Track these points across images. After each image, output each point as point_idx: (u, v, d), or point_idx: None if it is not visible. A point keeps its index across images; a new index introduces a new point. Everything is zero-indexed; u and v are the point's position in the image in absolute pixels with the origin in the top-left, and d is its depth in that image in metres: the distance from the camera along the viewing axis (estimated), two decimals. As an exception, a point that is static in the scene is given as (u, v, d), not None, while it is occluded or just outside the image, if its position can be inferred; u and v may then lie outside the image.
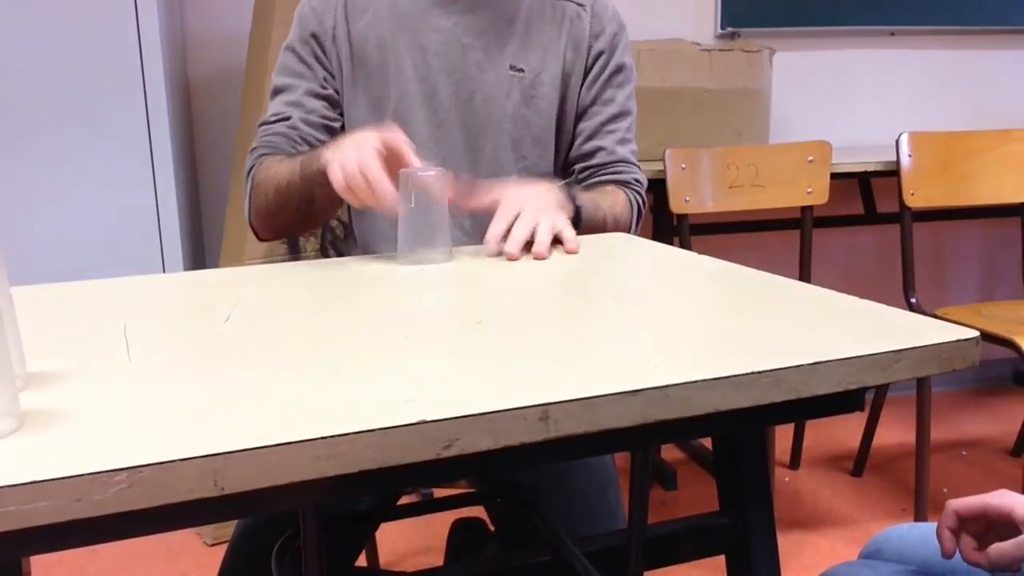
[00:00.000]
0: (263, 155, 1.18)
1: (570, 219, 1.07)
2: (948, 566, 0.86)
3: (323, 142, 1.18)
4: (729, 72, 2.23)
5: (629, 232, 1.23)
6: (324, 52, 1.21)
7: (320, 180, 1.02)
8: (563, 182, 1.16)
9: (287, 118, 1.19)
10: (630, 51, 1.28)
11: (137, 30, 1.84)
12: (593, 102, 1.25)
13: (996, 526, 0.80)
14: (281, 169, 1.12)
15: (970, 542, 0.81)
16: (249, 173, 1.19)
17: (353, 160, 0.95)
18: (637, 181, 1.26)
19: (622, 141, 1.26)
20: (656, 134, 2.12)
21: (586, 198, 1.15)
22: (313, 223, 1.22)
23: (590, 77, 1.25)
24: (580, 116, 1.26)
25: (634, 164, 1.27)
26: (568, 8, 1.24)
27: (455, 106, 1.20)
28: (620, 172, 1.25)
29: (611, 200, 1.20)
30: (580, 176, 1.26)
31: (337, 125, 1.23)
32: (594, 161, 1.25)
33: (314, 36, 1.21)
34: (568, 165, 1.28)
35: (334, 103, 1.22)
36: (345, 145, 0.99)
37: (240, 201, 2.03)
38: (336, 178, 0.96)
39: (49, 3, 1.80)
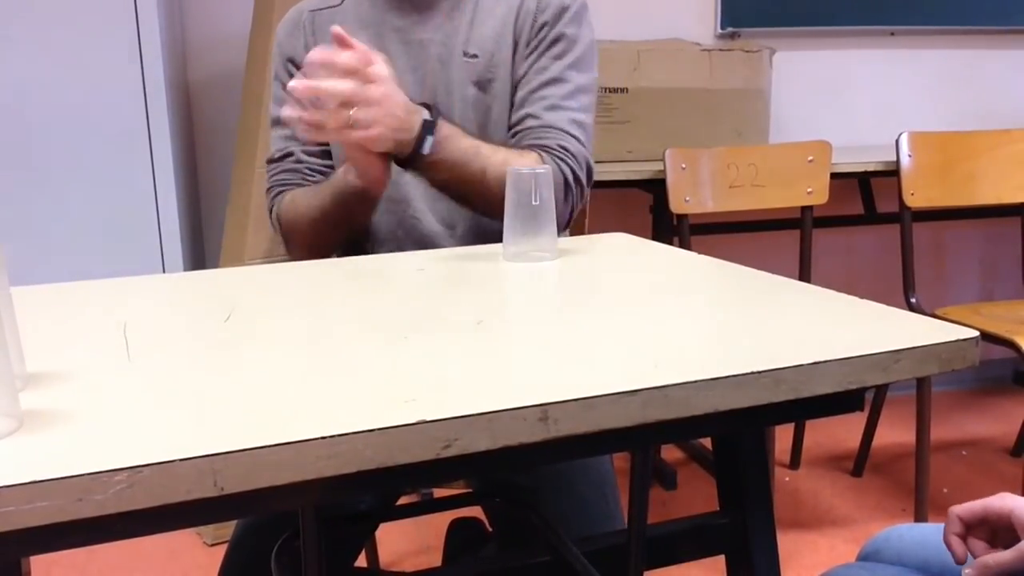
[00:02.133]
0: (279, 194, 1.25)
1: (415, 125, 1.04)
2: (947, 567, 0.85)
3: (328, 166, 1.25)
4: (729, 72, 2.24)
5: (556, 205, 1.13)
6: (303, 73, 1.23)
7: (351, 192, 1.10)
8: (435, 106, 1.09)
9: (289, 154, 1.25)
10: (584, 24, 1.22)
11: (137, 32, 1.84)
12: (526, 72, 1.20)
13: (999, 530, 0.80)
14: (311, 202, 1.18)
15: (981, 545, 0.81)
16: (271, 212, 1.26)
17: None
18: (563, 148, 1.15)
19: (552, 107, 1.18)
20: (656, 134, 2.13)
21: (457, 129, 1.09)
22: (354, 235, 1.25)
23: (528, 48, 1.20)
24: (515, 88, 1.21)
25: (566, 132, 1.17)
26: None
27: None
28: (542, 137, 1.16)
29: (505, 155, 1.11)
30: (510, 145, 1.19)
31: None
32: (519, 127, 1.18)
33: (290, 60, 1.25)
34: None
35: None
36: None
37: (240, 202, 2.03)
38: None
39: (50, 5, 1.80)
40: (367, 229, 1.24)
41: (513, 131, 1.20)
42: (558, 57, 1.19)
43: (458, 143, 1.09)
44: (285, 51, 1.25)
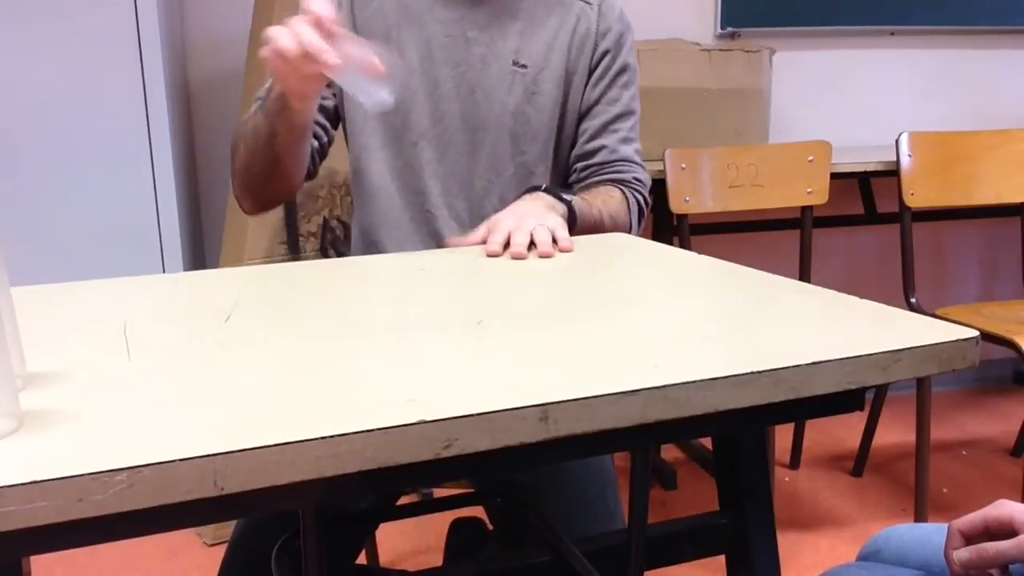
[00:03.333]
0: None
1: (564, 217, 1.09)
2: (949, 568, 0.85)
3: (321, 126, 1.24)
4: (729, 72, 2.23)
5: (630, 231, 1.23)
6: None
7: (276, 108, 1.03)
8: (545, 186, 1.16)
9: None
10: (635, 52, 1.29)
11: (137, 32, 1.84)
12: (597, 101, 1.25)
13: (998, 536, 0.80)
14: (247, 123, 1.14)
15: None
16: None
17: (286, 36, 0.89)
18: (637, 180, 1.26)
19: (625, 140, 1.26)
20: (656, 134, 2.12)
21: (576, 198, 1.15)
22: (282, 172, 1.16)
23: (595, 76, 1.25)
24: (584, 115, 1.26)
25: (637, 163, 1.27)
26: (575, 5, 1.24)
27: (456, 99, 1.21)
28: (620, 171, 1.25)
29: (604, 198, 1.20)
30: (581, 175, 1.26)
31: (327, 138, 1.28)
32: (595, 160, 1.25)
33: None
34: (570, 164, 1.28)
35: (328, 112, 1.26)
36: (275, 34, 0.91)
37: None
38: (272, 61, 0.91)
39: (50, 5, 1.80)
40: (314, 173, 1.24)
41: (585, 161, 1.26)
42: (625, 87, 1.27)
43: (588, 213, 1.15)
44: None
